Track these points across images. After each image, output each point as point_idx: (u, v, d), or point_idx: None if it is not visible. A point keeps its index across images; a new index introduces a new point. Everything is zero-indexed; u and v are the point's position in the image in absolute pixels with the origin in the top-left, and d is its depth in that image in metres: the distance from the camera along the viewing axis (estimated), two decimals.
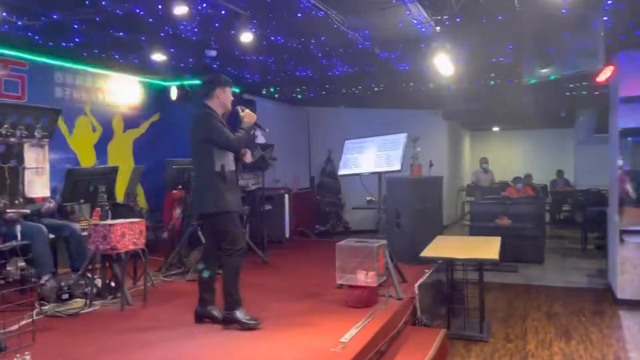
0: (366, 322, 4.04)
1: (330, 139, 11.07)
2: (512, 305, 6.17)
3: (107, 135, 6.97)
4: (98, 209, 5.68)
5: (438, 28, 4.30)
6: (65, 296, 4.47)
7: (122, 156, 7.16)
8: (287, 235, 8.08)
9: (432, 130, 11.69)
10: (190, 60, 6.41)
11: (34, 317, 4.00)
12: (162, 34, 4.93)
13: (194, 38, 5.17)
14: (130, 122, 7.34)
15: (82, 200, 4.81)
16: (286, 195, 8.12)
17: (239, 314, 3.94)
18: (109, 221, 4.61)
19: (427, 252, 4.93)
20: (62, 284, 4.46)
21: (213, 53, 5.63)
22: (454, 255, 4.87)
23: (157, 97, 7.74)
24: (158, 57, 5.87)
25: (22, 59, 5.79)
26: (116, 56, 6.03)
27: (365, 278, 4.51)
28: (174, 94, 7.53)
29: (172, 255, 5.97)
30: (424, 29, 4.47)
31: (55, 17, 4.47)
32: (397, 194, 6.41)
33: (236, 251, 4.02)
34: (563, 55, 4.63)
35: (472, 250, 5.11)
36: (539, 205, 9.50)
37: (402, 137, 4.84)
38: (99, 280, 4.75)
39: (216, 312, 4.07)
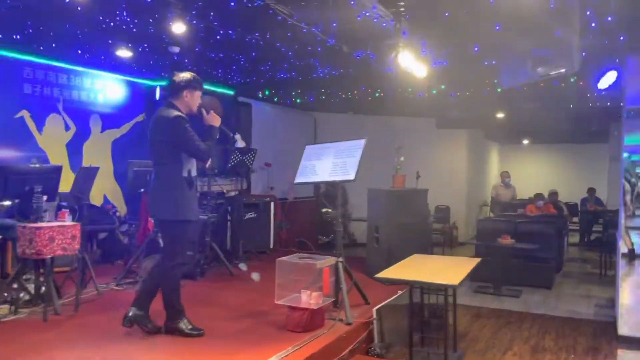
0: (295, 349, 3.57)
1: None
2: (497, 335, 5.52)
3: (82, 135, 6.76)
4: (65, 210, 5.48)
5: (395, 23, 3.81)
6: None
7: (98, 157, 6.93)
8: (272, 245, 7.64)
9: (448, 141, 11.08)
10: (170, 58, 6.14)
11: None
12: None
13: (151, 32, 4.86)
14: (109, 122, 7.11)
15: (16, 200, 4.53)
16: (272, 204, 7.69)
17: (182, 325, 3.81)
18: (40, 224, 4.31)
19: (385, 272, 4.38)
20: None
21: (176, 49, 5.31)
22: (413, 278, 4.31)
23: (143, 98, 7.50)
24: (125, 53, 5.60)
25: None
26: (84, 53, 5.81)
27: (307, 299, 4.03)
28: (158, 94, 7.28)
29: (130, 262, 5.65)
30: (384, 24, 4.00)
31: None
32: (376, 206, 5.90)
33: (178, 264, 3.85)
34: (534, 57, 4.05)
35: (438, 272, 4.52)
36: (552, 225, 8.71)
37: (360, 144, 4.35)
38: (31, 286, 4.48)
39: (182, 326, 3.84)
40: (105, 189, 7.04)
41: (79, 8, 3.89)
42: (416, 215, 5.82)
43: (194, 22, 4.21)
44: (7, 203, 4.73)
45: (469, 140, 11.81)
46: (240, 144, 7.00)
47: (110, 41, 5.04)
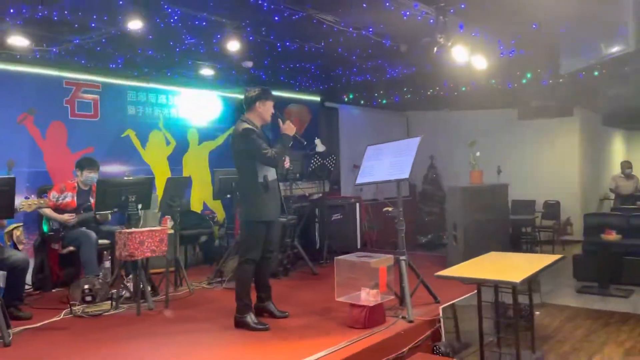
0: (347, 344, 3.70)
1: (432, 144, 10.46)
2: (589, 337, 5.14)
3: (181, 148, 7.45)
4: (167, 216, 6.14)
5: (438, 18, 3.76)
6: (89, 298, 4.83)
7: (197, 167, 7.58)
8: (359, 245, 7.78)
9: (556, 131, 10.31)
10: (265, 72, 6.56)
11: (60, 317, 4.52)
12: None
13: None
14: (205, 135, 7.74)
15: (115, 209, 5.17)
16: (357, 205, 7.83)
17: (249, 318, 4.15)
18: (133, 229, 4.87)
19: (447, 270, 4.33)
20: (85, 287, 4.84)
21: (249, 64, 5.69)
22: (475, 275, 4.20)
23: (234, 110, 8.04)
24: (207, 71, 6.10)
25: (95, 82, 6.47)
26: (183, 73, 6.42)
27: (366, 296, 4.14)
28: None
29: (220, 263, 6.13)
30: (432, 21, 3.97)
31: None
32: (454, 204, 5.79)
33: (249, 259, 4.22)
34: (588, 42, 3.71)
35: (504, 270, 4.36)
36: None
37: (415, 142, 4.35)
38: (130, 284, 5.08)
39: (272, 308, 4.44)
40: (204, 196, 7.66)
41: (150, 37, 4.40)
42: (494, 212, 5.61)
43: (251, 37, 4.53)
44: (108, 212, 5.43)
45: (581, 127, 10.88)
46: (320, 148, 7.26)
47: (190, 62, 5.55)
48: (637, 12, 3.38)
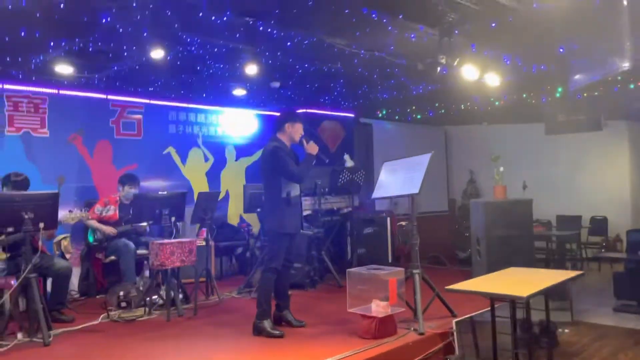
0: (353, 353, 3.85)
1: (472, 158, 10.42)
2: (615, 356, 5.01)
3: (219, 164, 7.85)
4: (204, 229, 6.51)
5: (444, 39, 3.89)
6: (124, 304, 5.21)
7: (234, 182, 7.95)
8: (390, 259, 7.85)
9: (604, 143, 9.97)
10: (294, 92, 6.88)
11: (98, 321, 4.93)
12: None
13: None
14: (242, 151, 8.12)
15: (150, 222, 5.56)
16: (388, 219, 7.93)
17: (266, 324, 4.41)
18: (164, 240, 5.23)
19: (459, 284, 4.39)
20: (120, 294, 5.22)
21: (277, 84, 5.99)
22: (485, 290, 4.25)
23: (269, 127, 8.38)
24: (239, 92, 6.46)
25: (139, 104, 6.98)
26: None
27: (377, 308, 4.28)
28: None
29: (251, 274, 6.41)
30: (443, 40, 4.09)
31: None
32: (477, 219, 5.83)
33: (272, 268, 4.51)
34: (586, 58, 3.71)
35: (518, 285, 4.37)
36: None
37: (425, 158, 4.47)
38: (163, 292, 5.42)
39: (290, 317, 4.67)
40: (241, 210, 8.00)
41: (178, 63, 4.79)
42: (517, 228, 5.59)
43: (270, 61, 4.82)
44: (145, 224, 5.84)
45: (630, 138, 10.42)
46: (349, 163, 7.45)
47: (220, 84, 5.93)
48: (634, 31, 3.37)
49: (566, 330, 5.85)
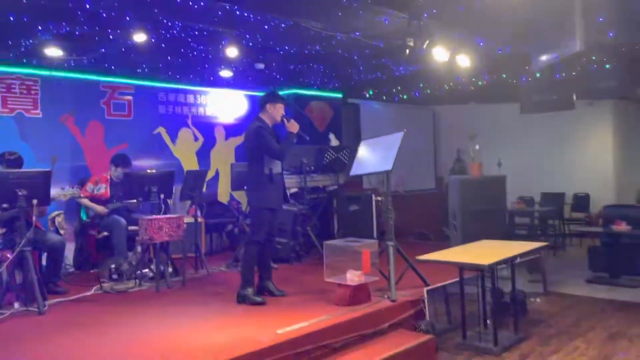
0: (328, 318, 4.12)
1: (459, 137, 10.63)
2: (579, 322, 5.31)
3: (209, 144, 8.07)
4: (194, 206, 6.75)
5: (413, 22, 4.08)
6: (115, 276, 5.49)
7: (224, 161, 8.18)
8: (375, 235, 8.12)
9: (590, 122, 10.13)
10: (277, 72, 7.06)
11: (91, 292, 5.21)
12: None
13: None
14: (232, 131, 8.33)
15: (140, 198, 5.80)
16: (373, 196, 8.17)
17: (249, 291, 4.69)
18: (153, 216, 5.48)
19: (428, 255, 4.66)
20: (112, 267, 5.49)
21: (261, 66, 6.19)
22: (452, 259, 4.53)
23: (258, 107, 8.58)
24: (226, 73, 6.65)
25: (129, 84, 7.18)
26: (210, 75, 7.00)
27: (351, 277, 4.55)
28: None
29: (238, 249, 6.68)
30: (412, 23, 4.28)
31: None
32: (454, 195, 6.08)
33: (255, 241, 4.79)
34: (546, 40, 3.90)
35: (484, 255, 4.63)
36: None
37: (398, 136, 4.70)
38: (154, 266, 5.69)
39: (271, 287, 4.93)
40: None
41: (163, 45, 4.98)
42: (491, 203, 5.86)
43: (250, 44, 5.00)
44: (134, 201, 6.07)
45: (614, 116, 10.59)
46: (334, 142, 7.68)
47: (206, 65, 6.12)
48: (585, 14, 3.56)
49: (537, 300, 6.18)
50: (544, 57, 4.24)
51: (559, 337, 4.86)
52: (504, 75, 7.08)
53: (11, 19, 4.12)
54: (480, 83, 8.12)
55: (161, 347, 3.60)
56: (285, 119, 4.89)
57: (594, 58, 6.03)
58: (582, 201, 10.30)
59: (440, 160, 11.21)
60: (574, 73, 6.89)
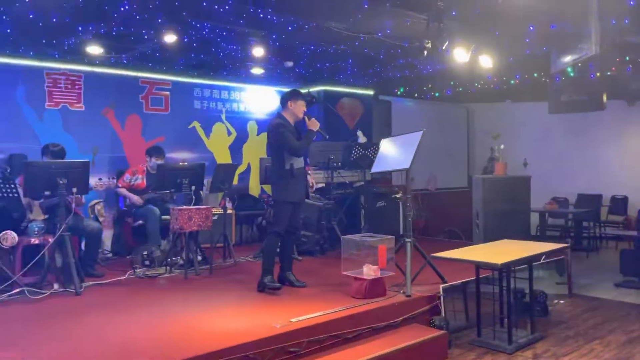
0: (343, 309, 4.28)
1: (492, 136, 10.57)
2: (600, 325, 5.28)
3: (241, 138, 8.34)
4: (224, 198, 7.03)
5: (432, 24, 4.15)
6: (147, 263, 5.80)
7: (256, 155, 8.40)
8: (401, 231, 8.20)
9: (628, 123, 9.87)
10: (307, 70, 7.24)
11: (125, 277, 5.54)
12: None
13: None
14: (264, 126, 8.54)
15: (172, 190, 6.09)
16: (399, 192, 8.23)
17: (266, 279, 4.90)
18: (184, 207, 5.75)
19: (443, 253, 4.74)
20: (144, 253, 5.81)
21: (290, 64, 6.37)
22: (467, 257, 4.59)
23: None
24: (257, 70, 6.87)
25: (166, 80, 7.51)
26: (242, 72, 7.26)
27: (367, 271, 4.69)
28: None
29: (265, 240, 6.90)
30: (431, 25, 4.36)
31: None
32: (477, 193, 6.12)
33: (275, 232, 5.00)
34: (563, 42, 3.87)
35: (502, 254, 4.67)
36: None
37: (417, 136, 4.79)
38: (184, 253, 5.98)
39: (292, 278, 5.11)
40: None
41: (194, 45, 5.23)
42: (515, 203, 5.86)
43: (277, 44, 5.18)
44: (167, 192, 6.38)
45: None
46: (362, 139, 7.79)
47: (237, 64, 6.35)
48: (601, 18, 3.53)
49: (561, 302, 6.15)
50: (564, 59, 4.23)
51: (576, 339, 4.86)
52: (535, 75, 7.01)
53: (54, 20, 4.44)
54: (512, 82, 8.05)
55: (181, 330, 3.84)
56: (306, 116, 5.03)
57: (627, 59, 5.92)
58: (619, 204, 10.05)
59: (473, 158, 11.15)
60: (608, 73, 6.76)
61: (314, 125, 5.00)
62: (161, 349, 3.45)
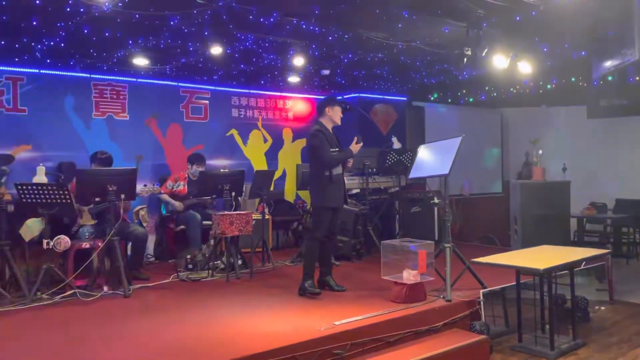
0: (382, 313, 4.35)
1: (527, 141, 10.47)
2: None
3: (277, 145, 8.51)
4: (262, 204, 7.20)
5: (472, 31, 4.20)
6: (190, 267, 5.98)
7: (291, 162, 8.58)
8: (436, 237, 8.22)
9: None
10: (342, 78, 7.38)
11: (169, 280, 5.73)
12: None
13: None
14: (298, 133, 8.71)
15: (214, 196, 6.27)
16: (435, 198, 8.25)
17: (306, 284, 5.01)
18: (225, 212, 5.92)
19: (485, 258, 4.77)
20: (187, 257, 5.99)
21: (326, 72, 6.49)
22: (509, 263, 4.60)
23: None
24: (294, 79, 7.02)
25: (205, 90, 7.73)
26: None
27: (407, 276, 4.75)
28: None
29: (302, 245, 7.02)
30: (470, 33, 4.42)
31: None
32: (515, 199, 6.12)
33: (314, 238, 5.10)
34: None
35: (542, 260, 4.67)
36: None
37: (456, 142, 4.83)
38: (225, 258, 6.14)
39: (332, 282, 5.20)
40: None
41: (236, 55, 5.41)
42: (554, 208, 5.83)
43: (316, 53, 5.31)
44: (209, 198, 6.56)
45: None
46: (396, 145, 7.85)
47: (275, 72, 6.51)
48: None
49: (602, 308, 6.07)
50: (605, 64, 4.23)
51: (620, 345, 4.81)
52: (572, 79, 6.97)
53: (107, 34, 4.67)
54: (548, 87, 8.00)
55: (229, 331, 3.97)
56: (356, 138, 5.08)
57: None
58: None
59: (508, 164, 11.06)
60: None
61: (356, 149, 5.08)
62: (211, 348, 3.59)
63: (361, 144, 5.10)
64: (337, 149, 5.08)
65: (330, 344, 3.80)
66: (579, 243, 7.97)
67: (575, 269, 5.01)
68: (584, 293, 5.81)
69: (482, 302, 4.89)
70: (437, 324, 4.52)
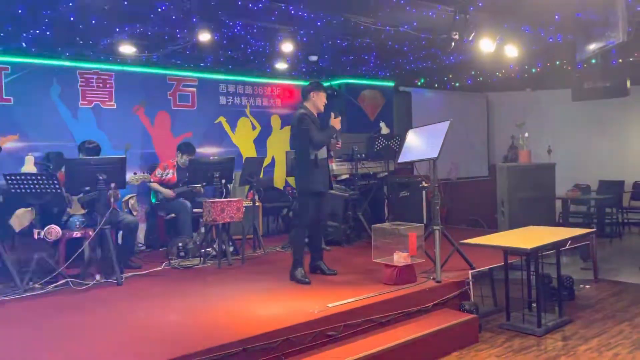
0: (375, 295, 4.43)
1: (513, 124, 10.58)
2: (628, 308, 5.35)
3: (265, 132, 8.52)
4: (252, 191, 7.22)
5: (460, 15, 4.24)
6: (182, 254, 6.00)
7: (280, 149, 8.59)
8: (424, 221, 8.32)
9: None
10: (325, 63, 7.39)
11: (161, 268, 5.75)
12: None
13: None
14: (287, 120, 8.71)
15: (204, 183, 6.28)
16: (422, 182, 8.34)
17: (298, 272, 5.01)
18: (216, 199, 5.94)
19: (473, 239, 4.86)
20: (179, 245, 6.01)
21: (314, 58, 6.50)
22: (496, 243, 4.70)
23: None
24: (281, 65, 7.02)
25: (192, 77, 7.70)
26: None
27: (398, 258, 4.83)
28: None
29: (292, 231, 7.07)
30: (457, 17, 4.46)
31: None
32: (502, 182, 6.21)
33: (302, 224, 5.11)
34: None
35: (529, 240, 4.77)
36: None
37: (444, 125, 4.89)
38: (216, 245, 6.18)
39: (323, 267, 5.24)
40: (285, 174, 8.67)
41: (224, 42, 5.40)
42: (539, 190, 5.94)
43: (305, 39, 5.32)
44: (199, 186, 6.57)
45: None
46: (384, 130, 7.90)
47: (263, 59, 6.50)
48: (628, 5, 3.58)
49: (587, 286, 6.23)
50: (589, 47, 4.29)
51: (605, 321, 4.95)
52: (557, 63, 7.06)
53: (93, 22, 4.63)
54: (533, 70, 8.09)
55: (223, 316, 4.02)
56: (333, 113, 5.11)
57: None
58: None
59: (494, 147, 11.18)
60: (631, 59, 6.78)
61: (337, 124, 5.07)
62: (206, 333, 3.63)
63: (339, 117, 5.08)
64: None
65: (324, 326, 3.86)
66: (564, 224, 8.13)
67: (561, 249, 5.13)
68: (570, 272, 5.96)
69: (470, 283, 4.99)
70: (427, 305, 4.61)
